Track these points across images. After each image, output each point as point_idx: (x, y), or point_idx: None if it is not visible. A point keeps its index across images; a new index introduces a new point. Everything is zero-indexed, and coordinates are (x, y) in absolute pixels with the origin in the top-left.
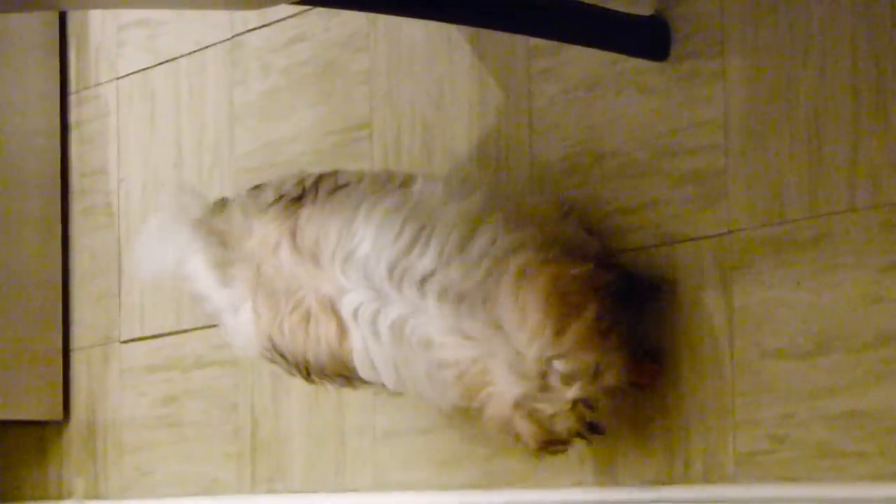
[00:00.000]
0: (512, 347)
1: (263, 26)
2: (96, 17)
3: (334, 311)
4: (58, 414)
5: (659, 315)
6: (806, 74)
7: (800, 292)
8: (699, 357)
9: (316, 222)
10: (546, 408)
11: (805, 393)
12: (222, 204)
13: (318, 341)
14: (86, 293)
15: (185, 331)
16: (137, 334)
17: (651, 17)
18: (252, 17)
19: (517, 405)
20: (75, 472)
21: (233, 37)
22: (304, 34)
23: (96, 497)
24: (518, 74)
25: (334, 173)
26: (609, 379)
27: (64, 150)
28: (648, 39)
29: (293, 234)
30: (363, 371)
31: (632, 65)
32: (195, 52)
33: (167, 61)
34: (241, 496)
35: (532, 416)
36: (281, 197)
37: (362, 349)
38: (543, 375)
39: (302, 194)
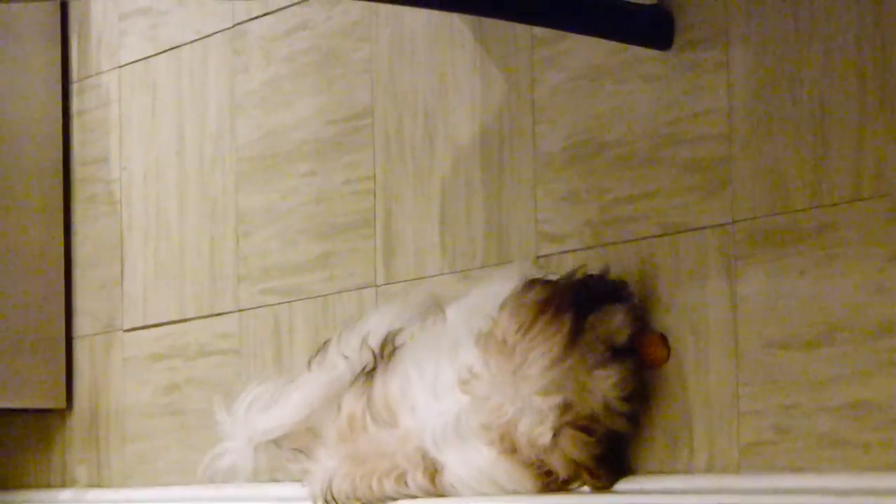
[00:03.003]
0: (518, 389)
1: (265, 15)
2: (98, 5)
3: (424, 458)
4: (61, 402)
5: (662, 305)
6: (810, 62)
7: (804, 282)
8: (703, 347)
9: (382, 390)
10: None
11: (809, 383)
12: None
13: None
14: (88, 282)
15: (187, 319)
16: (140, 323)
17: (654, 6)
18: (254, 5)
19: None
20: (78, 460)
21: (234, 25)
22: (305, 23)
23: (99, 485)
24: (521, 63)
25: (393, 337)
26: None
27: (66, 138)
28: (652, 28)
29: (370, 406)
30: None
31: (635, 54)
32: (197, 40)
33: (169, 50)
34: (243, 484)
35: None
36: (360, 372)
37: (454, 476)
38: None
39: (374, 367)
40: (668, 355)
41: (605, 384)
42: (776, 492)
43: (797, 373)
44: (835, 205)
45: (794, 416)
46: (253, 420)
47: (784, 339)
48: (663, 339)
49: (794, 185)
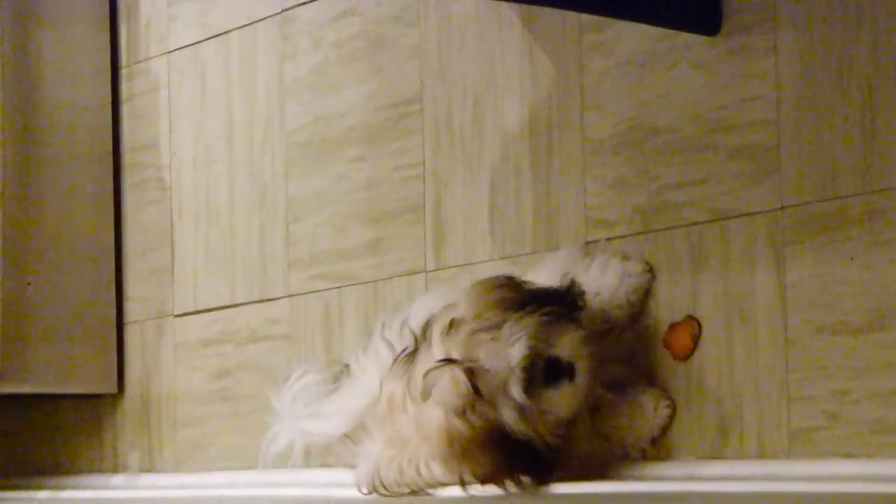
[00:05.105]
0: None
1: (314, 0)
2: None
3: None
4: (112, 387)
5: (711, 291)
6: (859, 47)
7: (853, 268)
8: (753, 333)
9: (426, 368)
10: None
11: (859, 369)
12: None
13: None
14: (139, 267)
15: (238, 304)
16: (191, 308)
17: None
18: None
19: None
20: (130, 445)
21: (283, 11)
22: (354, 8)
23: (151, 470)
24: (569, 50)
25: (435, 320)
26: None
27: (115, 124)
28: (699, 14)
29: (410, 386)
30: None
31: (683, 40)
32: (245, 26)
33: (217, 35)
34: (294, 470)
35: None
36: (401, 353)
37: None
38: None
39: (415, 349)
40: (694, 349)
41: (567, 340)
42: (826, 478)
43: (847, 359)
44: (884, 190)
45: (844, 403)
46: (300, 414)
47: (834, 324)
48: (692, 333)
49: (843, 170)
